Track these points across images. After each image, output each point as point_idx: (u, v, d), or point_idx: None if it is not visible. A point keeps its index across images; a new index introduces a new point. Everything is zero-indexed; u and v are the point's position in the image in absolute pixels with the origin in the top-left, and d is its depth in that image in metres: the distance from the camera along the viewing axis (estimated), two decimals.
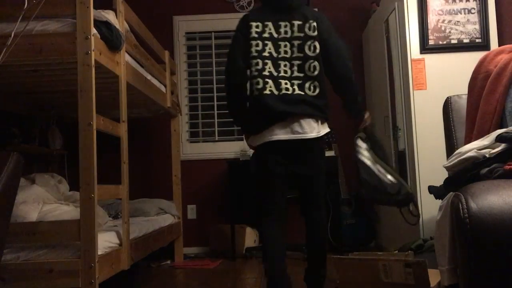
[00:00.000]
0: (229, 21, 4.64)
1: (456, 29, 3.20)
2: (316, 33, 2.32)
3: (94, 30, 2.25)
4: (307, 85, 2.31)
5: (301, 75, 2.31)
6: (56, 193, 2.94)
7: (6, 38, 2.03)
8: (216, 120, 4.59)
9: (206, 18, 4.66)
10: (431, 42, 3.20)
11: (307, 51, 2.32)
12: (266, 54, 2.30)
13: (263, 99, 2.25)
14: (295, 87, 2.30)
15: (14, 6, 2.17)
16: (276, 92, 2.26)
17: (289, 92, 2.27)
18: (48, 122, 3.91)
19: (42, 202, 2.70)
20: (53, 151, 3.90)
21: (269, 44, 2.31)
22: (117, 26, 2.52)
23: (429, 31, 3.21)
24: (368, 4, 4.47)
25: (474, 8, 3.20)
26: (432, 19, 3.21)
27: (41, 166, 3.94)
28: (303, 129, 2.28)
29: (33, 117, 3.75)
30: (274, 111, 2.25)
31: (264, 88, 2.25)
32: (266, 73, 2.27)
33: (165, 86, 3.72)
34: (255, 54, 2.29)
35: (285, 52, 2.32)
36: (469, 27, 3.20)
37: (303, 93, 2.29)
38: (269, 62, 2.30)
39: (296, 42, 2.32)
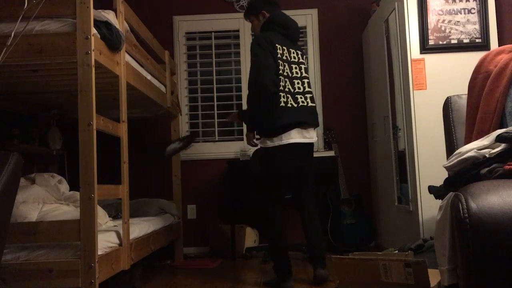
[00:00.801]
0: (229, 21, 4.65)
1: (456, 29, 3.20)
2: (307, 65, 3.12)
3: (94, 30, 2.25)
4: (313, 97, 3.00)
5: (310, 89, 3.00)
6: (56, 193, 2.94)
7: (6, 38, 2.04)
8: (216, 120, 4.59)
9: (206, 18, 4.65)
10: (431, 42, 3.20)
11: (308, 73, 3.06)
12: (285, 74, 2.86)
13: (287, 111, 2.81)
14: (308, 100, 2.95)
15: (14, 6, 2.17)
16: (295, 105, 2.86)
17: (305, 105, 2.91)
18: (48, 122, 3.90)
19: (42, 202, 2.70)
20: (53, 151, 3.90)
21: (287, 65, 2.90)
22: (117, 26, 2.51)
23: (429, 31, 3.21)
24: (368, 4, 4.47)
25: (474, 8, 3.20)
26: (432, 19, 3.21)
27: (41, 166, 3.94)
28: (310, 135, 2.93)
29: (33, 117, 3.74)
30: (294, 121, 2.81)
31: (287, 102, 2.83)
32: (286, 89, 2.85)
33: (165, 86, 3.72)
34: (281, 72, 2.83)
35: (296, 72, 2.95)
36: (469, 27, 3.20)
37: (314, 104, 2.99)
38: (287, 80, 2.88)
39: (302, 66, 3.01)
